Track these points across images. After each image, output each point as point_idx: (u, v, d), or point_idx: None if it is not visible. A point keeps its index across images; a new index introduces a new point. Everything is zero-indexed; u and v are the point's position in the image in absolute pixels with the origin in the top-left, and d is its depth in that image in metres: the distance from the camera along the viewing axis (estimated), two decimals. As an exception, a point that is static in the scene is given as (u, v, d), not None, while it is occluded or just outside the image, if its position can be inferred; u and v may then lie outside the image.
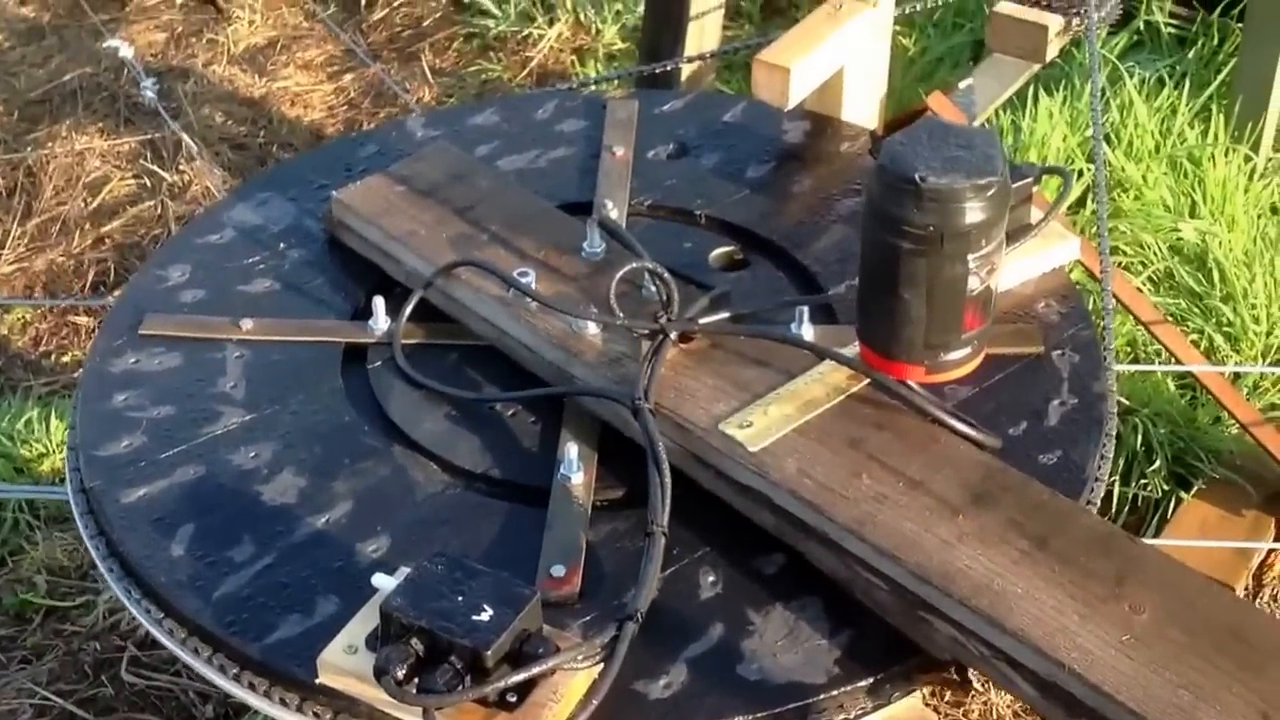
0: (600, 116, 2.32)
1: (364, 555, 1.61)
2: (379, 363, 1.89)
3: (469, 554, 1.61)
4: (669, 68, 2.66)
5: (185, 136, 3.51)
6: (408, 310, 1.91)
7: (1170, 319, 2.77)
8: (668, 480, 1.60)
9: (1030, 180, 1.97)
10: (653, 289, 1.82)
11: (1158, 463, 2.64)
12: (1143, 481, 2.66)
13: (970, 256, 1.62)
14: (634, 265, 1.81)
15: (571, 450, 1.70)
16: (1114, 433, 1.78)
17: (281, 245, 2.08)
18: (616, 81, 3.22)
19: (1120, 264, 2.91)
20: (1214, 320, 2.80)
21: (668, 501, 1.59)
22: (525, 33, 4.12)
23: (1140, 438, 2.62)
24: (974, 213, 1.59)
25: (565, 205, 2.13)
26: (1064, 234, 2.01)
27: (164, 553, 1.61)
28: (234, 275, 2.03)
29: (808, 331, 1.86)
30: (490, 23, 4.17)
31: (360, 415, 1.81)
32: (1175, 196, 3.00)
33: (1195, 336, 2.78)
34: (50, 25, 4.35)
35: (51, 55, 4.16)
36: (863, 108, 2.36)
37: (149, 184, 3.63)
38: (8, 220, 3.57)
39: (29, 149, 3.80)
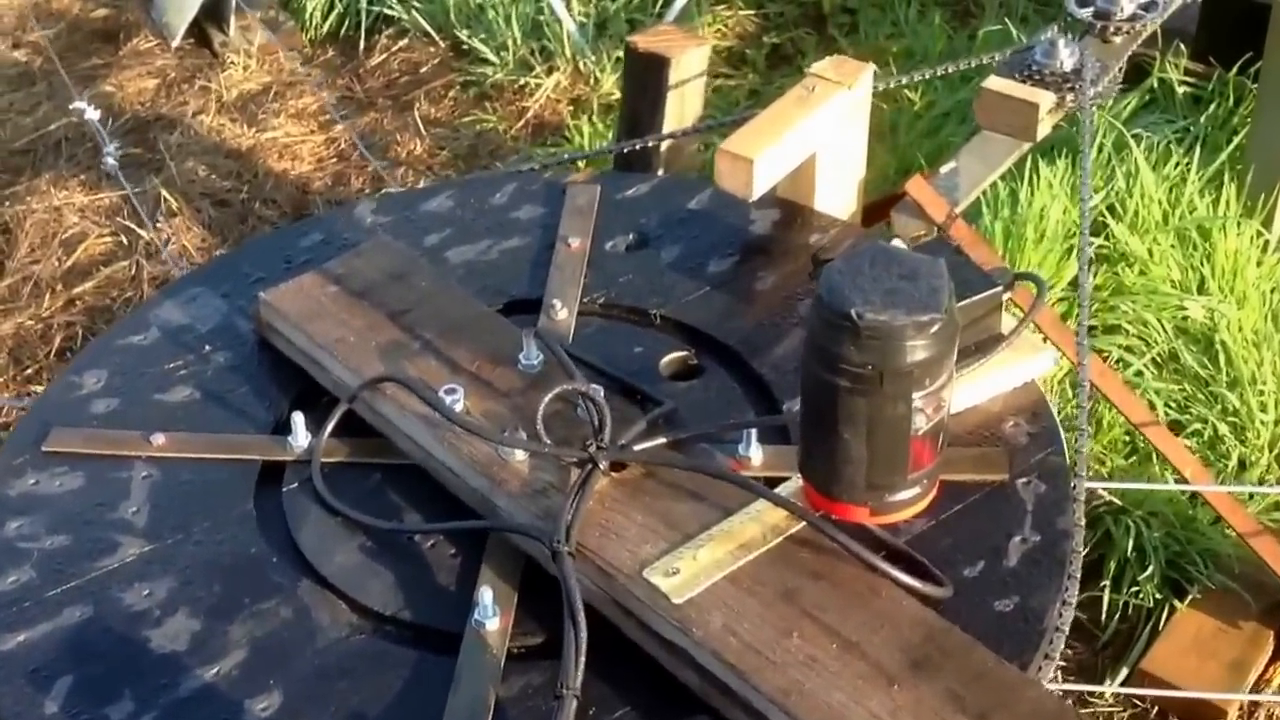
0: (560, 201, 2.19)
1: (253, 714, 1.48)
2: (296, 484, 1.77)
3: (367, 712, 1.50)
4: (644, 142, 2.52)
5: (164, 193, 3.40)
6: (329, 428, 1.79)
7: (1172, 407, 2.62)
8: (583, 636, 1.47)
9: (1000, 289, 1.84)
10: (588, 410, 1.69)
11: (1151, 568, 2.48)
12: (1134, 589, 2.50)
13: (915, 395, 1.49)
14: (563, 388, 1.68)
15: (486, 595, 1.57)
16: (1078, 575, 1.64)
17: (206, 348, 1.96)
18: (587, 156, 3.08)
19: (1122, 345, 2.76)
20: (1219, 407, 2.64)
21: (582, 661, 1.46)
22: (523, 82, 4.00)
23: (1132, 541, 2.46)
24: (916, 351, 1.46)
25: (514, 303, 2.02)
26: (1037, 346, 1.87)
27: (37, 710, 1.49)
28: (152, 382, 1.91)
29: (756, 453, 1.73)
30: (488, 70, 4.05)
31: (269, 545, 1.69)
32: (1183, 271, 2.84)
33: (1199, 425, 2.62)
34: (40, 71, 4.27)
35: (39, 103, 4.07)
36: (838, 193, 2.22)
37: (126, 242, 3.53)
38: (-20, 280, 3.48)
39: (6, 204, 3.71)
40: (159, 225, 3.53)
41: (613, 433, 1.67)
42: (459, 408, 1.74)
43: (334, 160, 3.84)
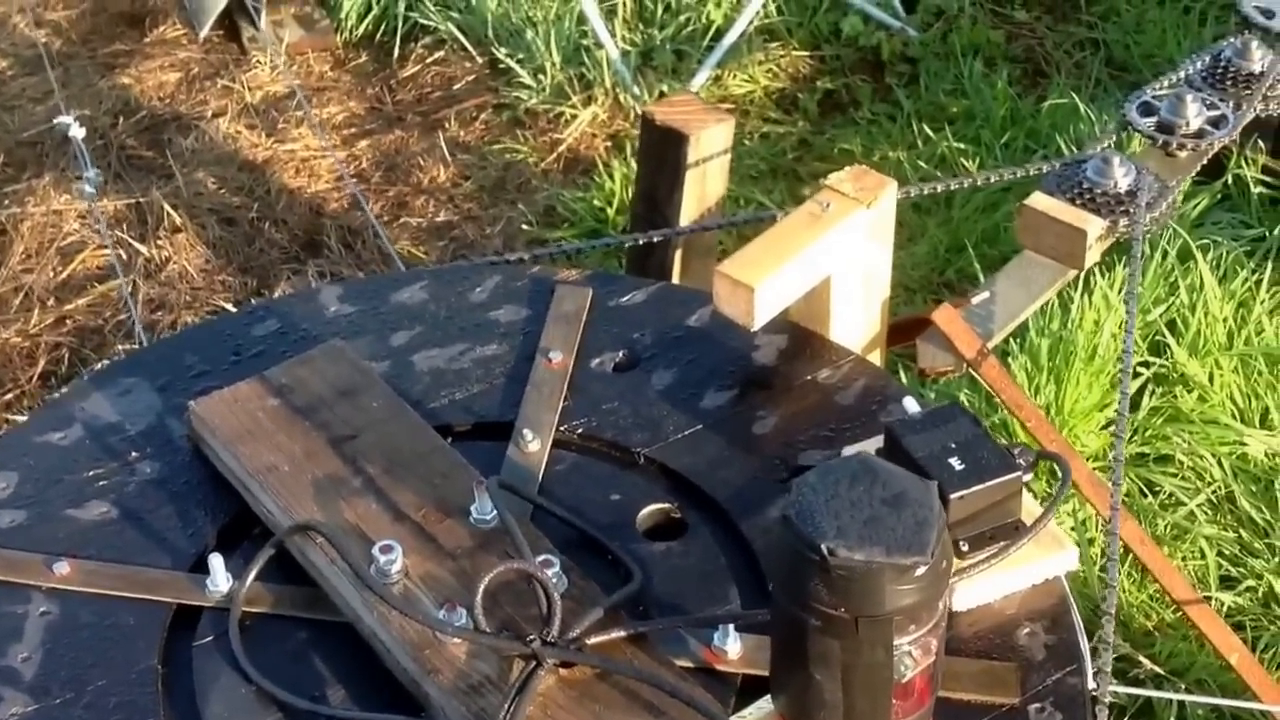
0: (547, 303, 1.98)
1: None
2: (211, 637, 1.56)
3: None
4: (650, 237, 2.29)
5: (167, 207, 3.22)
6: (250, 576, 1.58)
7: (1225, 556, 2.37)
8: None
9: (1019, 474, 1.60)
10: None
11: (1192, 751, 2.24)
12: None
13: (898, 641, 1.27)
14: (507, 567, 1.47)
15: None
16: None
17: (133, 454, 1.76)
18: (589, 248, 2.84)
19: (1174, 479, 2.50)
20: (1277, 559, 2.39)
21: None
22: (558, 111, 3.77)
23: (1175, 714, 2.21)
24: (897, 597, 1.23)
25: (482, 425, 1.81)
26: (1060, 540, 1.63)
27: None
28: (66, 493, 1.71)
29: (733, 645, 1.51)
30: (523, 95, 3.83)
31: (170, 714, 1.49)
32: (1245, 399, 2.59)
33: (1253, 582, 2.37)
34: (60, 54, 4.08)
35: (54, 90, 3.88)
36: (858, 317, 1.99)
37: (125, 256, 3.35)
38: (-32, 289, 3.31)
39: (6, 202, 3.53)
40: (160, 243, 3.34)
41: (565, 619, 1.46)
42: (395, 568, 1.54)
43: (353, 180, 3.64)
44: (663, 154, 2.40)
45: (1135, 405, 2.59)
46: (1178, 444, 2.54)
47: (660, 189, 2.45)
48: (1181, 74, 2.40)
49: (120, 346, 3.19)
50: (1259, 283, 2.78)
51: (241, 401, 1.74)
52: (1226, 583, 2.42)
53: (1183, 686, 2.23)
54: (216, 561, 1.59)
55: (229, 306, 3.28)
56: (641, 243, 2.31)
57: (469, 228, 3.54)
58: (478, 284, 2.02)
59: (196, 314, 3.29)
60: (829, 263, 1.90)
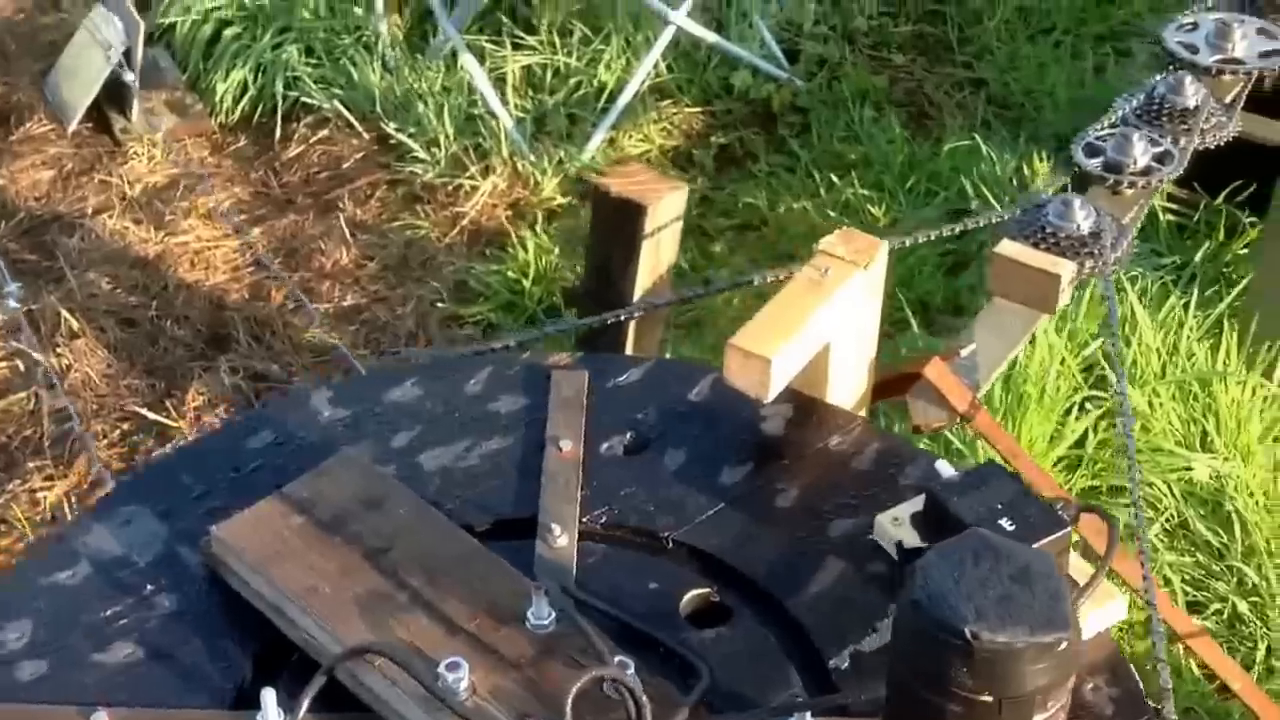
0: (542, 389, 1.94)
1: None
2: (266, 782, 1.50)
3: None
4: (618, 316, 2.27)
5: (64, 312, 3.09)
6: (303, 707, 1.51)
7: (1188, 582, 2.43)
8: None
9: (1068, 530, 1.62)
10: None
11: (1183, 780, 2.29)
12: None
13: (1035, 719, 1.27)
14: (593, 675, 1.44)
15: None
16: None
17: (148, 588, 1.68)
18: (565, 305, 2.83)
19: (1128, 507, 2.56)
20: (1235, 580, 2.47)
21: None
22: (456, 183, 3.73)
23: (1163, 749, 2.26)
24: (1039, 675, 1.23)
25: (502, 523, 1.76)
26: (1110, 591, 1.65)
27: None
28: (87, 636, 1.62)
29: (808, 729, 1.50)
30: (419, 169, 3.78)
31: None
32: (1184, 425, 2.67)
33: (1219, 605, 2.44)
34: (-75, 161, 3.91)
35: (-72, 199, 3.72)
36: (850, 378, 2.00)
37: (23, 368, 3.20)
38: None
39: (-110, 319, 3.36)
40: (59, 350, 3.21)
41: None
42: (463, 685, 1.49)
43: (251, 268, 3.54)
44: (619, 226, 2.40)
45: (1082, 441, 2.65)
46: (1126, 474, 2.60)
47: (615, 261, 2.44)
48: (1118, 114, 2.47)
49: (32, 464, 3.05)
50: (1186, 306, 2.87)
51: (265, 521, 1.67)
52: (1192, 608, 2.48)
53: (1174, 716, 2.27)
54: (269, 697, 1.51)
55: (142, 411, 3.16)
56: (592, 295, 2.30)
57: (379, 309, 3.47)
58: (470, 376, 1.98)
59: (106, 422, 3.17)
60: (830, 328, 1.90)
